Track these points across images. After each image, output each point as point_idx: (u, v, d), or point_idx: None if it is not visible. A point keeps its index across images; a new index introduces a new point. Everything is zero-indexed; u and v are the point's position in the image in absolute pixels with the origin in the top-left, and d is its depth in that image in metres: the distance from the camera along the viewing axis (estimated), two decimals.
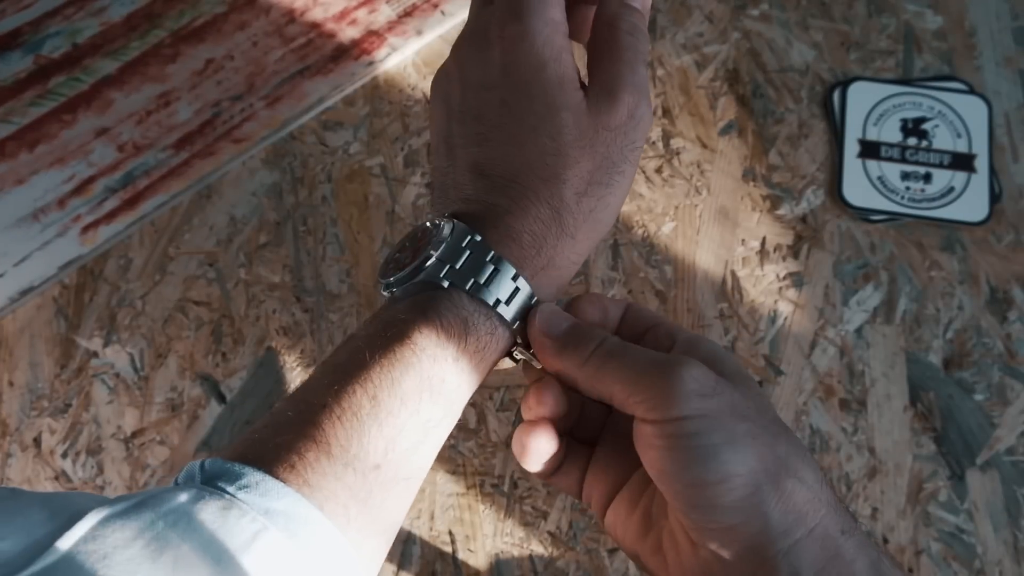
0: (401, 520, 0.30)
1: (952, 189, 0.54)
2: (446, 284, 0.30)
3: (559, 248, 0.32)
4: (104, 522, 0.25)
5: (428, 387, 0.30)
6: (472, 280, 0.30)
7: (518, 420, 0.49)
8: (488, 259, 0.30)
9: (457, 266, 0.30)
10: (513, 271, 0.31)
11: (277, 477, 0.27)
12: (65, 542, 0.24)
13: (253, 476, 0.27)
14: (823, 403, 0.50)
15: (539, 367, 0.32)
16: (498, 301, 0.30)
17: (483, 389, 0.50)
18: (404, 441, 0.29)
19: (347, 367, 0.29)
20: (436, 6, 0.57)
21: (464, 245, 0.30)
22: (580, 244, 0.32)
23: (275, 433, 0.29)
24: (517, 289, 0.31)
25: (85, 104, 0.54)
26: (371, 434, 0.28)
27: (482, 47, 0.33)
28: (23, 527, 0.25)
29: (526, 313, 0.32)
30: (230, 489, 0.26)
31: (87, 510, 0.25)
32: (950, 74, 0.57)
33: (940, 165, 0.54)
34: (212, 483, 0.27)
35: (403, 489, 0.30)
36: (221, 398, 0.50)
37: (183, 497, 0.26)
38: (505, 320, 0.31)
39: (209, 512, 0.26)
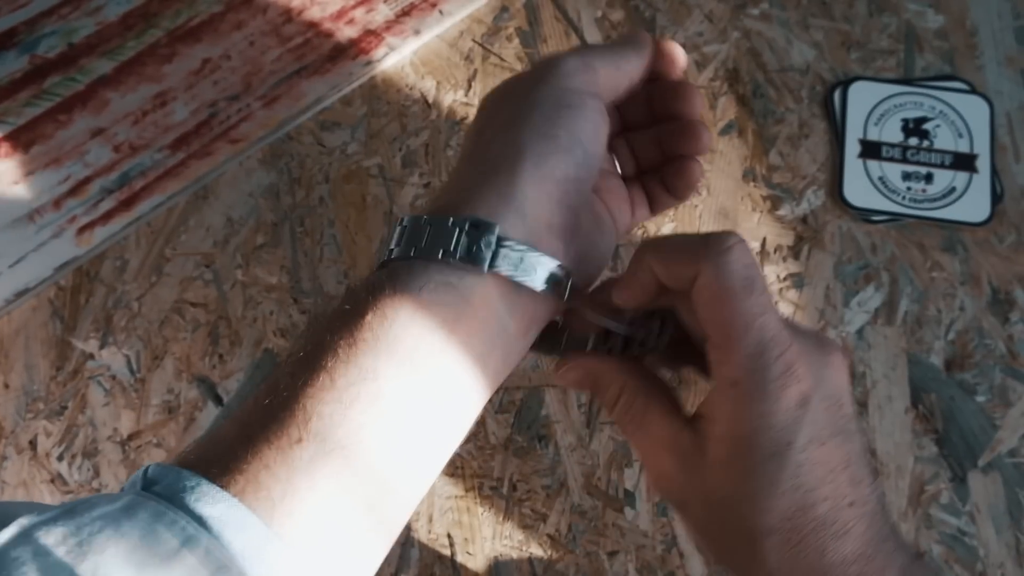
0: (374, 524, 0.28)
1: (953, 189, 0.54)
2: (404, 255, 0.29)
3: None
4: (29, 529, 0.24)
5: (402, 356, 0.28)
6: (441, 249, 0.29)
7: (516, 422, 0.49)
8: (450, 224, 0.29)
9: (422, 244, 0.29)
10: (494, 225, 0.29)
11: (218, 480, 0.26)
12: None
13: (189, 481, 0.26)
14: None
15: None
16: (480, 258, 0.29)
17: None
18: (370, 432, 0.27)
19: (305, 356, 0.28)
20: (434, 5, 0.57)
21: (424, 223, 0.30)
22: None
23: (226, 434, 0.28)
24: (507, 246, 0.29)
25: (81, 104, 0.54)
26: (326, 420, 0.27)
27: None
28: None
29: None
30: (165, 495, 0.25)
31: (17, 517, 0.25)
32: (951, 74, 0.56)
33: (941, 165, 0.54)
34: (149, 489, 0.26)
35: (377, 491, 0.28)
36: (218, 400, 0.49)
37: (116, 504, 0.25)
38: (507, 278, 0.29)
39: (139, 519, 0.25)
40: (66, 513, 0.25)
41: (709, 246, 0.30)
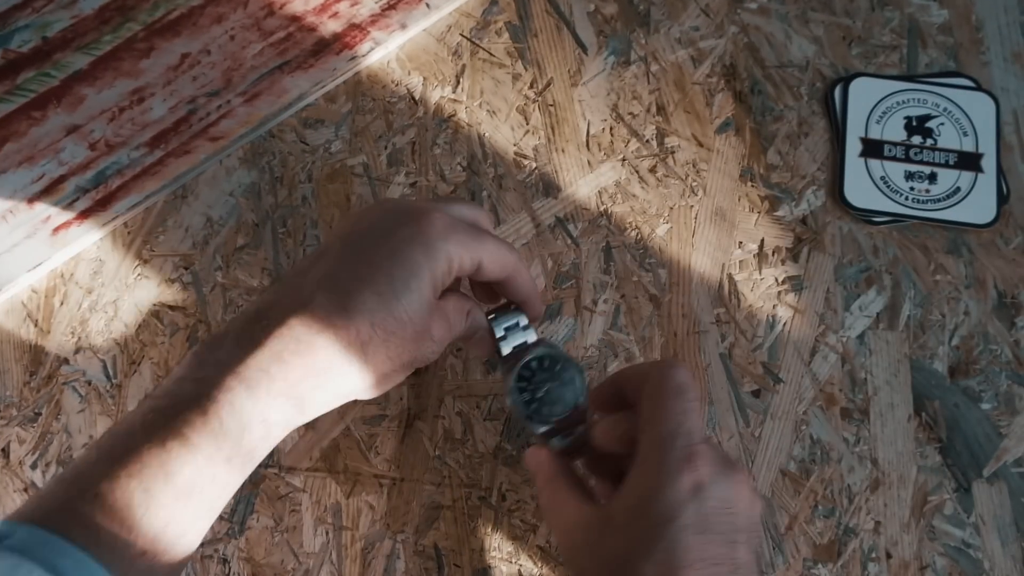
0: None
1: (958, 190, 0.52)
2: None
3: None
4: None
5: (199, 483, 0.34)
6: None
7: (505, 429, 0.48)
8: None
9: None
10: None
11: (65, 536, 0.31)
12: None
13: (42, 535, 0.30)
14: (824, 412, 0.48)
15: None
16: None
17: (470, 398, 0.48)
18: (173, 529, 0.34)
19: (123, 453, 0.34)
20: None
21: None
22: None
23: (62, 497, 0.33)
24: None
25: (55, 100, 0.52)
26: (142, 526, 0.33)
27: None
28: None
29: None
30: (18, 547, 0.30)
31: None
32: (956, 70, 0.55)
33: (946, 165, 0.52)
34: (1, 540, 0.30)
35: (168, 567, 0.34)
36: None
37: None
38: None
39: (3, 566, 0.29)
40: None
41: (661, 362, 0.41)
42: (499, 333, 0.41)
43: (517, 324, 0.41)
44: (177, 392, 0.35)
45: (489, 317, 0.42)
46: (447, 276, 0.38)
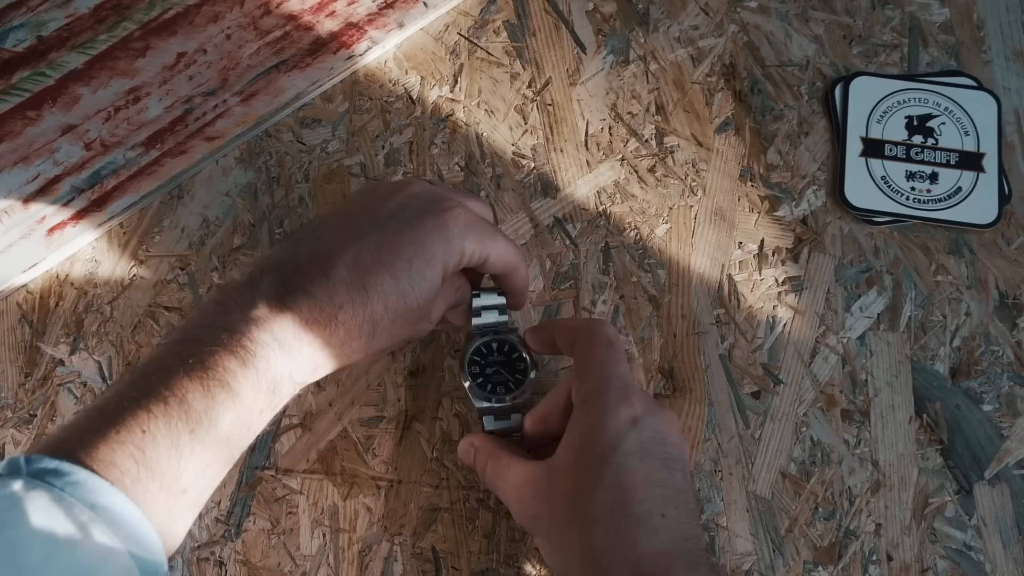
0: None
1: (959, 189, 0.52)
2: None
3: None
4: None
5: (236, 430, 0.36)
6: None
7: None
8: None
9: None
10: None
11: (101, 476, 0.31)
12: None
13: (80, 474, 0.31)
14: (824, 414, 0.48)
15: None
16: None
17: (467, 400, 0.48)
18: (209, 473, 0.35)
19: (166, 393, 0.34)
20: None
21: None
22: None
23: (98, 435, 0.33)
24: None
25: (51, 100, 0.52)
26: (184, 462, 0.34)
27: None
28: None
29: None
30: (58, 483, 0.30)
31: None
32: (957, 69, 0.54)
33: (947, 164, 0.52)
34: (40, 477, 0.30)
35: (195, 508, 0.36)
36: None
37: (16, 486, 0.29)
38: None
39: (42, 501, 0.29)
40: None
41: (590, 319, 0.47)
42: (476, 308, 0.45)
43: (495, 308, 0.45)
44: (210, 340, 0.36)
45: (472, 293, 0.45)
46: (457, 267, 0.41)
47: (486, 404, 0.44)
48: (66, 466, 0.30)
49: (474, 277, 0.45)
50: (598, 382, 0.39)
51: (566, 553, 0.38)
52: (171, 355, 0.35)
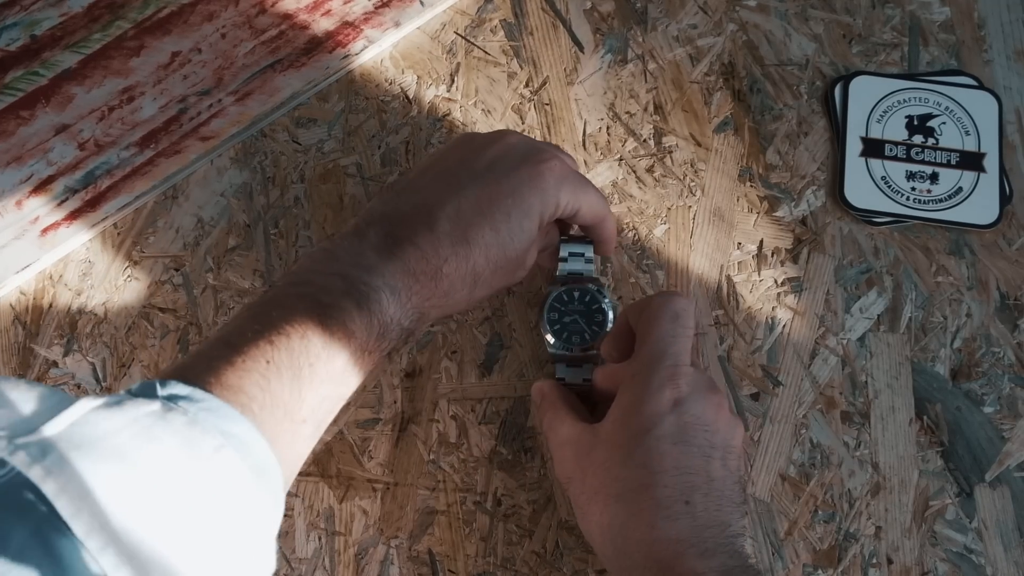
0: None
1: (960, 190, 0.51)
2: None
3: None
4: (94, 411, 0.29)
5: (349, 370, 0.37)
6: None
7: (501, 433, 0.47)
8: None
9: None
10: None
11: (230, 403, 0.32)
12: (60, 423, 0.28)
13: (212, 401, 0.31)
14: (824, 416, 0.47)
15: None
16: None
17: (465, 401, 0.47)
18: (325, 407, 0.36)
19: (288, 329, 0.35)
20: None
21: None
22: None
23: (225, 363, 0.33)
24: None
25: (44, 99, 0.51)
26: (304, 393, 0.34)
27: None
28: (21, 401, 0.29)
29: None
30: (192, 409, 0.30)
31: (68, 400, 0.29)
32: (958, 68, 0.54)
33: (947, 164, 0.52)
34: (173, 401, 0.30)
35: (312, 439, 0.37)
36: None
37: (155, 406, 0.30)
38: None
39: (178, 423, 0.30)
40: (119, 403, 0.29)
41: (664, 292, 0.47)
42: (563, 255, 0.46)
43: (582, 255, 0.46)
44: (325, 283, 0.37)
45: (561, 238, 0.46)
46: (552, 217, 0.42)
47: (560, 352, 0.45)
48: (199, 393, 0.31)
49: (561, 224, 0.46)
50: (650, 357, 0.39)
51: (587, 523, 0.39)
52: (288, 296, 0.37)
